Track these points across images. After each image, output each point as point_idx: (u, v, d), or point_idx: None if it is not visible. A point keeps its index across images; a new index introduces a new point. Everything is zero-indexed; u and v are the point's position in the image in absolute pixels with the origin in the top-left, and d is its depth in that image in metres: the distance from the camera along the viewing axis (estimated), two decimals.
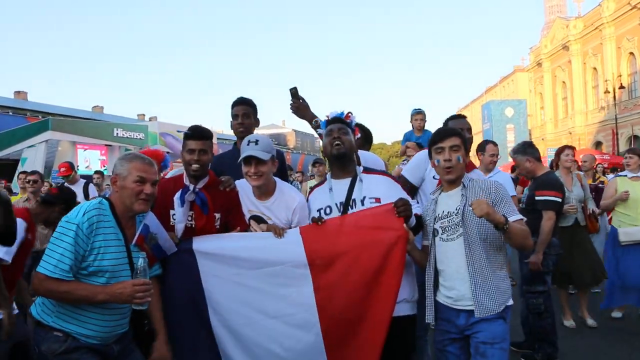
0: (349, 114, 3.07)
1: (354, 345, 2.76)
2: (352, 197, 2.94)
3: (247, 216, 3.06)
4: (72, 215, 2.40)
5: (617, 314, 5.99)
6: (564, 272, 5.54)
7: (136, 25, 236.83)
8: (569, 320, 5.74)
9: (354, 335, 2.76)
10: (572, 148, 5.94)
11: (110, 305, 2.43)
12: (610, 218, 6.18)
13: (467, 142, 2.93)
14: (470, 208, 2.61)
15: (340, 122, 3.03)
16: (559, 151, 5.92)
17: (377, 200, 2.90)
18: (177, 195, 2.93)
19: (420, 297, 2.98)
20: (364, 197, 2.91)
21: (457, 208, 2.77)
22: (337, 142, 2.94)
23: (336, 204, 2.97)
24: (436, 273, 2.84)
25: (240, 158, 2.94)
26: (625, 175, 5.91)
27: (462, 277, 2.72)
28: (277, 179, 3.13)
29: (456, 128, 3.02)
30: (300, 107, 3.50)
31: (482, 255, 2.69)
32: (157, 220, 2.70)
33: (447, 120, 3.93)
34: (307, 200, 3.16)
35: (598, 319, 5.88)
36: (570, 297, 6.27)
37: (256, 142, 2.94)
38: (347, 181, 2.99)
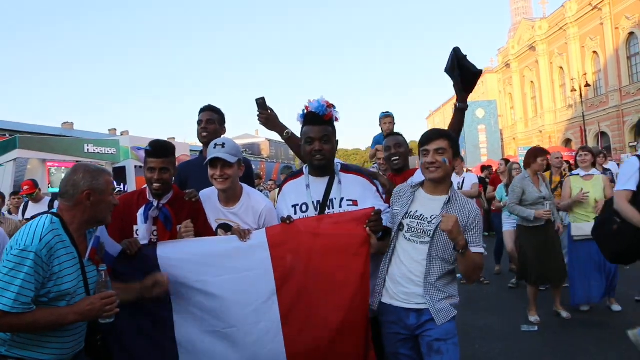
0: (330, 109, 2.86)
1: (322, 353, 2.73)
2: (330, 197, 2.88)
3: (215, 225, 2.97)
4: (26, 242, 2.14)
5: (585, 307, 6.11)
6: (538, 270, 5.74)
7: (104, 38, 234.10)
8: (534, 315, 5.87)
9: (321, 342, 2.72)
10: (547, 153, 6.11)
11: (70, 326, 2.31)
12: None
13: (455, 145, 2.79)
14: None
15: (322, 123, 2.85)
16: (535, 155, 5.96)
17: (355, 202, 2.85)
18: (141, 211, 2.90)
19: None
20: (342, 199, 2.86)
21: (432, 217, 2.70)
22: (318, 156, 2.83)
23: (313, 202, 2.89)
24: (389, 265, 2.81)
25: (206, 160, 2.88)
26: (578, 174, 6.08)
27: (416, 282, 2.71)
28: (243, 184, 3.06)
29: (445, 130, 2.90)
30: (269, 118, 3.34)
31: (440, 267, 2.70)
32: (103, 228, 2.64)
33: (385, 137, 4.09)
34: (279, 193, 3.10)
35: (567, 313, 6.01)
36: (542, 293, 6.45)
37: (223, 145, 2.89)
38: (325, 180, 2.90)
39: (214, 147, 2.89)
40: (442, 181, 2.75)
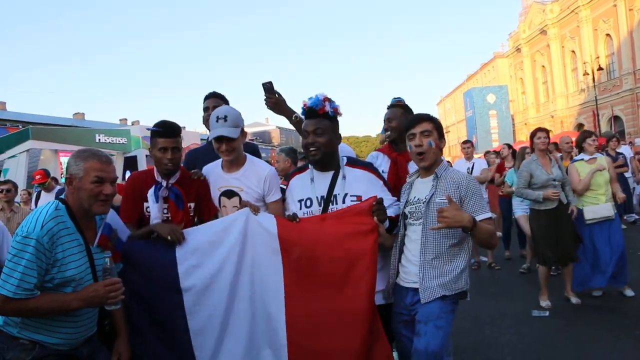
0: (325, 103, 2.84)
1: (323, 340, 2.70)
2: (334, 193, 2.88)
3: (217, 194, 3.03)
4: (29, 229, 2.17)
5: (597, 292, 6.09)
6: (547, 252, 5.72)
7: (114, 28, 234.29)
8: (545, 300, 5.85)
9: (323, 325, 2.70)
10: (545, 130, 6.02)
11: (80, 312, 2.33)
12: None
13: (439, 128, 2.87)
14: (436, 200, 2.71)
15: (315, 116, 2.84)
16: (532, 134, 6.03)
17: (359, 198, 2.83)
18: (151, 192, 2.93)
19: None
20: (346, 194, 2.85)
21: (426, 196, 2.80)
22: (312, 148, 2.84)
23: (317, 197, 2.89)
24: (400, 253, 2.91)
25: (210, 137, 2.93)
26: (582, 159, 6.04)
27: (414, 261, 2.79)
28: (247, 154, 3.13)
29: (427, 114, 2.94)
30: (277, 102, 3.30)
31: (436, 245, 2.74)
32: (114, 213, 2.60)
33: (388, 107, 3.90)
34: (288, 186, 3.08)
35: (579, 298, 5.97)
36: (554, 278, 6.44)
37: (225, 118, 2.92)
38: (329, 175, 2.90)
39: (217, 121, 2.93)
40: (433, 165, 2.86)
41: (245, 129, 3.17)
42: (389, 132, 3.67)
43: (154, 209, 2.91)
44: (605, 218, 5.78)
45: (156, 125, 2.98)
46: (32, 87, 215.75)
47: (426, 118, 2.89)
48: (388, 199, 2.92)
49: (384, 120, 3.78)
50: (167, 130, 2.92)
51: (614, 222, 5.84)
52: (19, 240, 2.17)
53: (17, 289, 2.12)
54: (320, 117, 2.84)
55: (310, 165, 2.99)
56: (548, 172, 5.72)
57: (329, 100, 2.86)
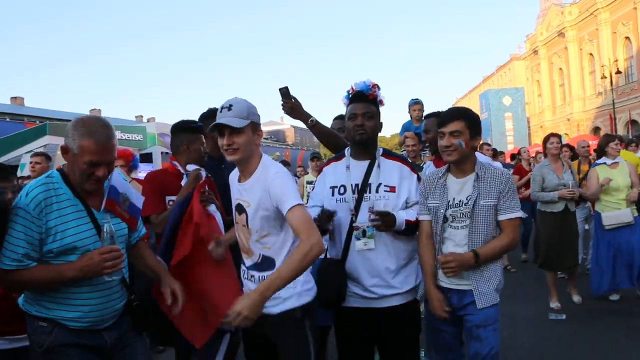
0: (375, 89, 2.84)
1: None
2: (369, 182, 2.83)
3: (235, 204, 2.65)
4: (17, 199, 2.13)
5: (614, 296, 6.06)
6: (553, 256, 5.85)
7: (131, 25, 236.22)
8: (555, 302, 5.91)
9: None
10: (558, 136, 6.17)
11: (95, 281, 2.21)
12: (593, 204, 6.34)
13: (474, 125, 2.77)
14: (481, 203, 2.70)
15: (365, 101, 2.83)
16: (545, 140, 6.15)
17: (392, 189, 2.80)
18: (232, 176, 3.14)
19: None
20: (380, 184, 2.81)
21: (468, 198, 2.74)
22: (360, 130, 2.80)
23: (352, 185, 2.85)
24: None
25: (209, 127, 2.52)
26: (604, 163, 5.99)
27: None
28: (265, 155, 2.58)
29: (461, 110, 2.86)
30: (293, 107, 3.30)
31: (483, 245, 2.72)
32: (120, 178, 2.48)
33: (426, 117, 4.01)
34: (321, 172, 3.04)
35: (594, 302, 5.98)
36: (565, 281, 6.48)
37: (229, 107, 2.41)
38: (365, 163, 2.86)
39: (220, 111, 2.45)
40: (464, 161, 2.77)
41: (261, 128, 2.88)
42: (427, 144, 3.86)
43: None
44: (625, 224, 5.73)
45: (205, 118, 3.35)
46: (50, 83, 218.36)
47: (457, 116, 2.74)
48: (416, 196, 2.88)
49: (422, 131, 3.88)
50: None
51: (636, 226, 5.78)
52: (12, 212, 2.12)
53: (10, 260, 2.08)
54: (369, 102, 2.85)
55: (347, 153, 2.96)
56: (559, 176, 5.84)
57: (377, 86, 2.88)
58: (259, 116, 2.50)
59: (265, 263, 2.48)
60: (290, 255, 2.27)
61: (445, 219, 2.77)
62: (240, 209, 2.53)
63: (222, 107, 2.44)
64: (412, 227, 2.81)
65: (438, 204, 2.78)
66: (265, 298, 2.14)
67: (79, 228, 2.19)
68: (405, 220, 2.74)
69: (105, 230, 2.17)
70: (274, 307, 2.40)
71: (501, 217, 2.74)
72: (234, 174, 2.65)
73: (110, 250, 2.15)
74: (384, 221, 2.65)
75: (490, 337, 2.69)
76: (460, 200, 2.76)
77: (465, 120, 2.73)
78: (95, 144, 2.16)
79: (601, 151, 6.19)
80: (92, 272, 2.14)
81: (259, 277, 2.49)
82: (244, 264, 2.62)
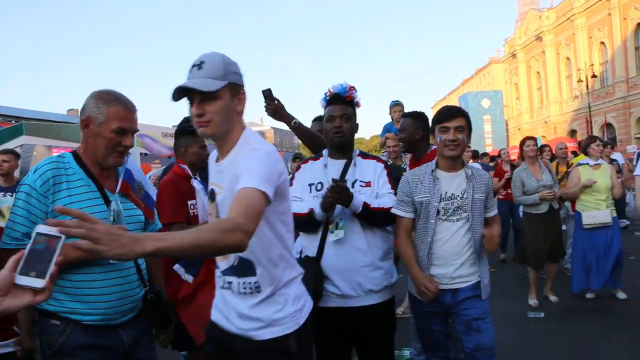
0: (352, 91, 2.90)
1: None
2: (345, 178, 2.88)
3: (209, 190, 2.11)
4: (25, 177, 2.02)
5: (590, 294, 6.19)
6: (541, 255, 6.00)
7: (108, 24, 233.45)
8: (534, 299, 6.08)
9: None
10: (533, 138, 6.34)
11: (108, 268, 2.04)
12: (574, 204, 6.45)
13: (470, 125, 2.91)
14: (475, 197, 2.80)
15: (342, 103, 2.89)
16: (521, 143, 6.29)
17: (367, 184, 2.85)
18: (200, 186, 3.11)
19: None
20: (356, 180, 2.86)
21: (463, 192, 2.82)
22: (337, 132, 2.85)
23: (329, 182, 2.83)
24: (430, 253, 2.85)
25: (172, 93, 1.85)
26: (587, 164, 6.11)
27: (454, 258, 2.80)
28: (250, 129, 2.03)
29: (461, 108, 2.96)
30: (276, 109, 3.30)
31: (480, 239, 2.82)
32: (136, 164, 2.36)
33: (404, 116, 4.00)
34: (297, 171, 3.05)
35: (572, 300, 6.12)
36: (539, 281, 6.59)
37: (200, 65, 1.84)
38: (342, 162, 2.92)
39: (190, 71, 1.87)
40: (459, 157, 2.87)
41: None
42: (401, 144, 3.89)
43: (206, 201, 2.67)
44: (603, 224, 5.85)
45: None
46: (26, 83, 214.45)
47: (461, 113, 2.86)
48: (389, 189, 2.90)
49: (399, 130, 3.90)
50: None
51: (613, 226, 5.91)
52: (17, 190, 2.02)
53: (5, 238, 1.98)
54: (347, 104, 2.90)
55: (324, 153, 3.00)
56: (538, 178, 5.96)
57: (354, 88, 2.93)
58: (241, 75, 1.94)
59: (244, 266, 1.92)
60: (209, 225, 1.59)
61: (438, 212, 2.82)
62: (212, 195, 2.01)
63: (193, 66, 1.86)
64: (372, 214, 2.73)
65: (429, 198, 2.82)
66: (143, 249, 1.34)
67: (92, 209, 2.03)
68: (364, 202, 2.69)
69: (112, 208, 2.05)
70: (257, 330, 1.89)
71: (490, 214, 2.92)
72: (214, 153, 2.07)
73: (116, 230, 1.97)
74: (341, 192, 2.63)
75: (489, 329, 2.82)
76: (452, 194, 2.83)
77: (466, 118, 2.87)
78: (124, 109, 2.09)
79: (584, 152, 6.34)
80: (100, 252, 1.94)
81: (238, 284, 1.94)
82: (218, 268, 2.06)
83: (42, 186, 1.98)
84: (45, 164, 2.03)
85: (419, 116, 3.83)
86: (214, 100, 1.82)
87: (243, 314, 1.91)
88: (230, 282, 1.97)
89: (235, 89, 1.89)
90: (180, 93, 1.82)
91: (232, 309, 1.94)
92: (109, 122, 2.05)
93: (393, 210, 2.83)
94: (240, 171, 1.73)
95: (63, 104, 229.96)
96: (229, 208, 1.63)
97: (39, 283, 1.21)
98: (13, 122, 23.65)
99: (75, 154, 2.14)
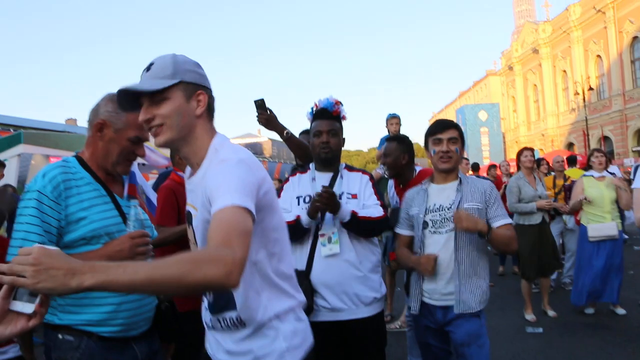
0: (338, 106, 2.93)
1: None
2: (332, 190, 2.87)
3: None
4: (31, 184, 1.90)
5: (589, 310, 6.15)
6: (532, 267, 5.97)
7: (107, 34, 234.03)
8: (530, 314, 6.02)
9: None
10: (531, 149, 6.34)
11: None
12: (578, 217, 6.44)
13: (462, 137, 2.90)
14: (465, 206, 2.70)
15: (330, 117, 2.91)
16: (519, 153, 6.31)
17: (354, 196, 2.86)
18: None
19: None
20: (342, 192, 2.87)
21: (451, 203, 2.77)
22: (325, 148, 2.87)
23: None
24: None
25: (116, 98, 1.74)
26: (592, 176, 6.11)
27: (443, 271, 2.74)
28: (221, 135, 1.72)
29: (452, 121, 2.99)
30: (269, 119, 3.33)
31: (468, 252, 2.73)
32: (138, 170, 2.30)
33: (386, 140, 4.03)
34: (285, 183, 3.07)
35: (571, 315, 6.07)
36: (536, 295, 6.58)
37: (149, 67, 1.65)
38: (329, 175, 2.94)
39: (140, 76, 1.69)
40: (453, 170, 2.84)
41: (237, 140, 2.89)
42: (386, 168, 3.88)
43: None
44: (609, 237, 5.81)
45: None
46: (25, 91, 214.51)
47: (454, 125, 2.87)
48: (375, 200, 2.89)
49: (384, 155, 3.90)
50: None
51: (618, 240, 5.88)
52: (23, 197, 1.89)
53: (16, 251, 1.81)
54: (334, 119, 2.93)
55: (311, 167, 3.02)
56: (534, 188, 6.01)
57: (340, 103, 2.96)
58: (200, 74, 1.70)
59: (221, 300, 1.68)
60: (179, 255, 1.25)
61: (426, 224, 2.80)
62: (189, 218, 1.76)
63: (143, 70, 1.67)
64: (359, 223, 2.72)
65: (418, 211, 2.84)
66: (79, 284, 1.14)
67: (104, 214, 1.96)
68: (352, 211, 2.70)
69: (132, 213, 1.95)
70: None
71: (497, 223, 2.73)
72: (188, 169, 1.81)
73: (142, 234, 1.92)
74: (330, 199, 2.63)
75: (474, 356, 2.71)
76: (440, 205, 2.80)
77: (458, 130, 2.87)
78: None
79: (589, 165, 6.35)
80: (124, 258, 1.86)
81: (212, 322, 1.73)
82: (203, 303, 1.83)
83: (53, 192, 1.87)
84: (53, 168, 1.95)
85: (403, 140, 3.83)
86: (163, 101, 1.60)
87: (229, 350, 1.71)
88: (206, 322, 1.79)
89: (190, 89, 1.64)
90: (131, 102, 1.64)
91: (219, 345, 1.76)
92: (127, 129, 1.99)
93: (397, 230, 2.92)
94: (211, 189, 1.48)
95: (61, 113, 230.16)
96: (208, 237, 1.37)
97: (28, 308, 1.21)
98: (12, 130, 23.67)
99: (79, 159, 2.05)
